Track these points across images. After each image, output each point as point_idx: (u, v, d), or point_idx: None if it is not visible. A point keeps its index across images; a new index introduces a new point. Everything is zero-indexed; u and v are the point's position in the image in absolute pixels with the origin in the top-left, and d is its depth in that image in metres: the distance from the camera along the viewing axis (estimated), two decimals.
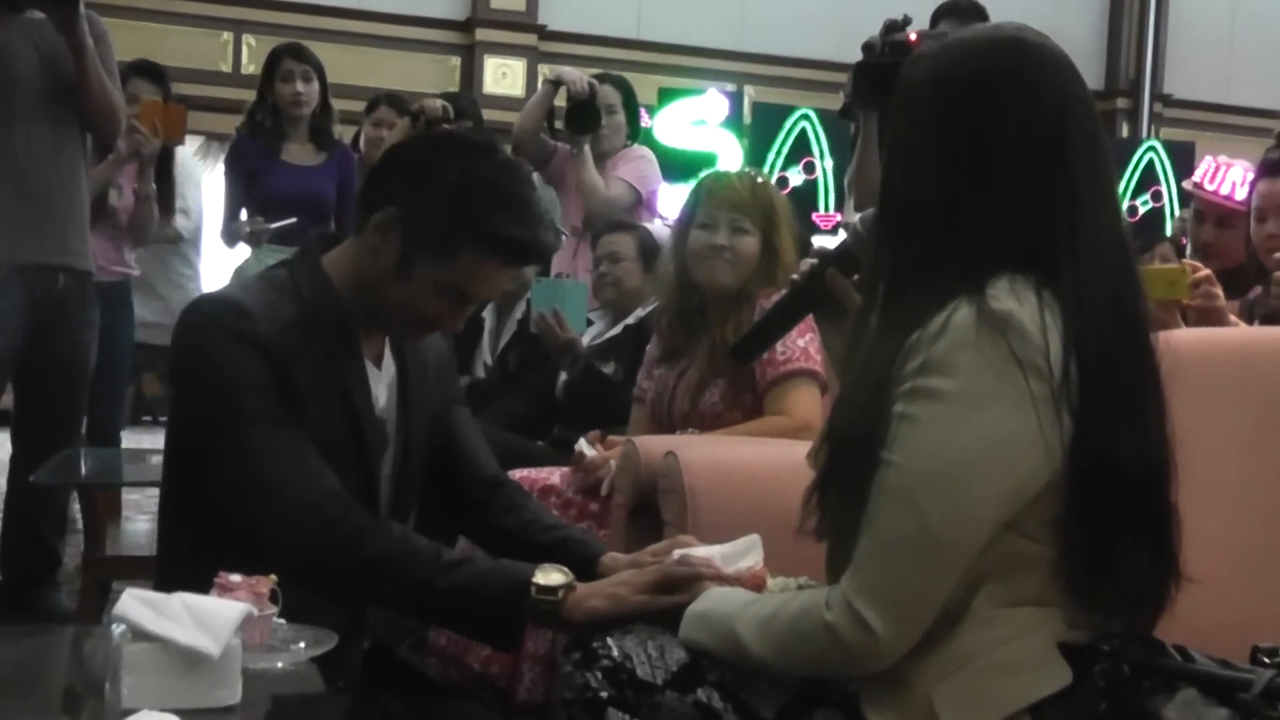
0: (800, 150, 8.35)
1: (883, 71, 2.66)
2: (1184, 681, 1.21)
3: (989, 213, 1.27)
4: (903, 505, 1.22)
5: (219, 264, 4.86)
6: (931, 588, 1.23)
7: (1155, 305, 1.90)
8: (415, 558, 1.58)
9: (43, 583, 3.42)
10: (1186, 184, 3.46)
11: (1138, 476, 1.25)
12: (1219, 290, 2.30)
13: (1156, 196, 9.40)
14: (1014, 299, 1.23)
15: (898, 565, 1.22)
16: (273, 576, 1.42)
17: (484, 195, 1.66)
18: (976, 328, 1.21)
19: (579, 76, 4.05)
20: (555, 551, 1.72)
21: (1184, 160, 8.61)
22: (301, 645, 1.43)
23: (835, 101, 3.98)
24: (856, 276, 1.54)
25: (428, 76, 9.06)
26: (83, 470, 3.17)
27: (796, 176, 8.23)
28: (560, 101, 4.12)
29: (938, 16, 3.64)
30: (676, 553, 1.58)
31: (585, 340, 3.35)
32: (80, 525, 3.77)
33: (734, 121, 7.60)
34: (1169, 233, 6.90)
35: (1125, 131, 10.83)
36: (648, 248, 3.35)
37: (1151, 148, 9.63)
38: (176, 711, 1.17)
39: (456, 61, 9.94)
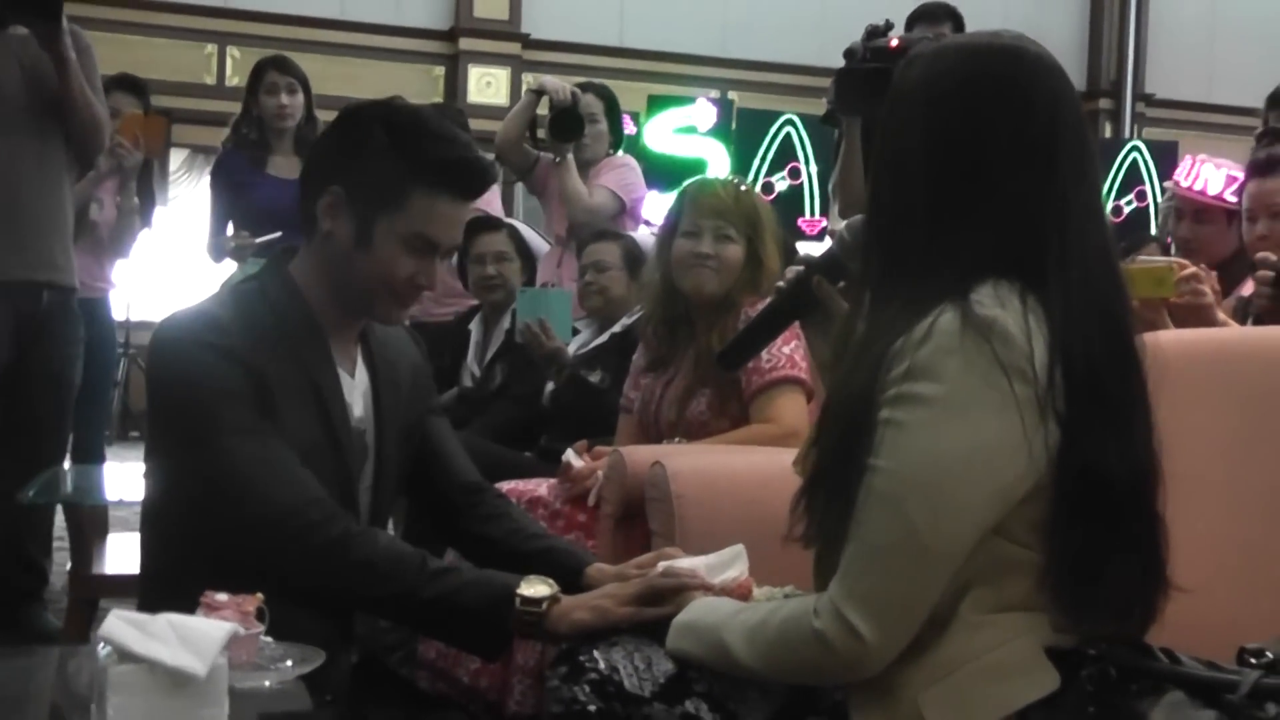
0: (785, 156, 8.32)
1: (865, 77, 2.66)
2: (1171, 684, 1.21)
3: (977, 219, 1.27)
4: (890, 510, 1.22)
5: (205, 278, 4.83)
6: (919, 593, 1.23)
7: (1142, 304, 1.91)
8: (400, 564, 1.58)
9: (30, 601, 3.40)
10: (1167, 184, 3.48)
11: (1125, 487, 1.26)
12: (1206, 288, 2.30)
13: (1140, 197, 9.41)
14: (998, 304, 1.23)
15: (885, 570, 1.22)
16: (259, 595, 1.41)
17: (413, 137, 1.70)
18: (961, 333, 1.21)
19: (561, 85, 4.04)
20: (540, 561, 1.72)
21: (1167, 160, 8.61)
22: (289, 663, 1.42)
23: (819, 107, 3.99)
24: (842, 283, 1.55)
25: (412, 86, 9.03)
26: (68, 488, 3.15)
27: (782, 182, 8.22)
28: (543, 110, 4.12)
29: (912, 21, 3.66)
30: (661, 565, 1.58)
31: (571, 349, 3.35)
32: (67, 542, 3.76)
33: (723, 129, 7.59)
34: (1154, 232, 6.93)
35: (1108, 132, 10.85)
36: (633, 256, 3.35)
37: (1135, 148, 9.63)
38: None
39: (440, 71, 9.95)
